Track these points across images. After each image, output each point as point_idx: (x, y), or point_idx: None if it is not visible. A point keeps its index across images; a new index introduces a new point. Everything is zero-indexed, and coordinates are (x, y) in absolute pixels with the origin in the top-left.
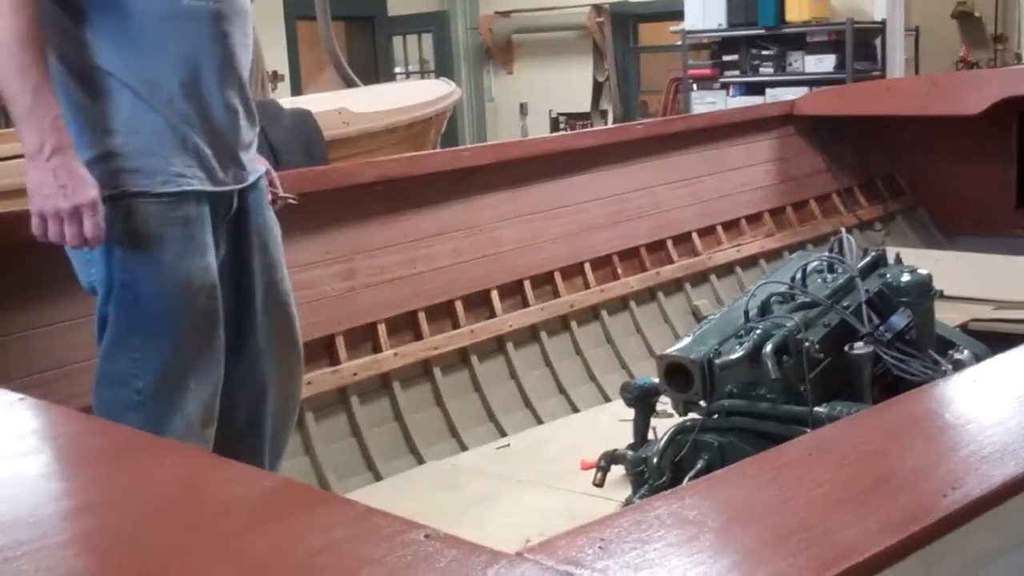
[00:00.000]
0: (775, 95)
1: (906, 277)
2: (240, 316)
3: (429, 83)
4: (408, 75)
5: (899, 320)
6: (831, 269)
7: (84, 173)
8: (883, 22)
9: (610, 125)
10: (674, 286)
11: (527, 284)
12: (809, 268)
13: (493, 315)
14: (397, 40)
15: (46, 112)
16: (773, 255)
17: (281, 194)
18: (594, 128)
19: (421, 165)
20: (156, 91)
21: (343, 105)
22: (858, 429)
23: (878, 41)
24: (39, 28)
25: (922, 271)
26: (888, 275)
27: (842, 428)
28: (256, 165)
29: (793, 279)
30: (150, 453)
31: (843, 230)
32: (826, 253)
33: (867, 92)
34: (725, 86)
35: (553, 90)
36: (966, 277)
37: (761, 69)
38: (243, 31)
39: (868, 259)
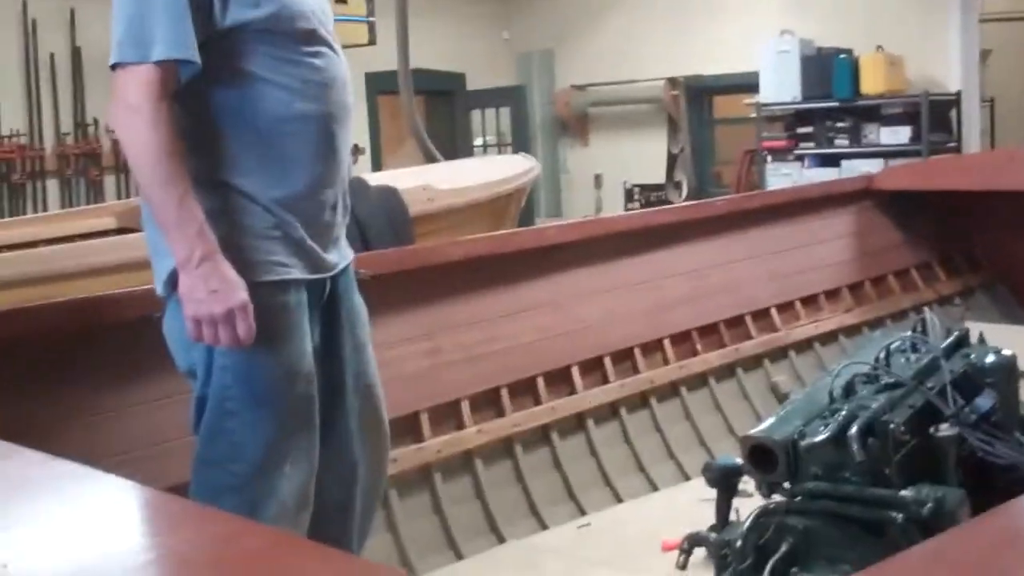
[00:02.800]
0: (851, 167)
1: (991, 358)
2: (330, 399)
3: (510, 158)
4: (486, 147)
5: (984, 402)
6: (914, 349)
7: (234, 277)
8: (958, 94)
9: (684, 196)
10: (753, 363)
11: (607, 360)
12: (892, 348)
13: (574, 391)
14: (475, 113)
15: (192, 221)
16: (852, 331)
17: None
18: (673, 205)
19: (506, 243)
20: (266, 191)
21: (427, 181)
22: (973, 537)
23: (953, 112)
24: (178, 140)
25: (1007, 352)
26: (972, 355)
27: (957, 537)
28: (347, 251)
29: (877, 359)
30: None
31: (926, 309)
32: (908, 332)
33: (944, 167)
34: (800, 158)
35: (628, 162)
36: None
37: (836, 141)
38: (348, 130)
39: (951, 339)
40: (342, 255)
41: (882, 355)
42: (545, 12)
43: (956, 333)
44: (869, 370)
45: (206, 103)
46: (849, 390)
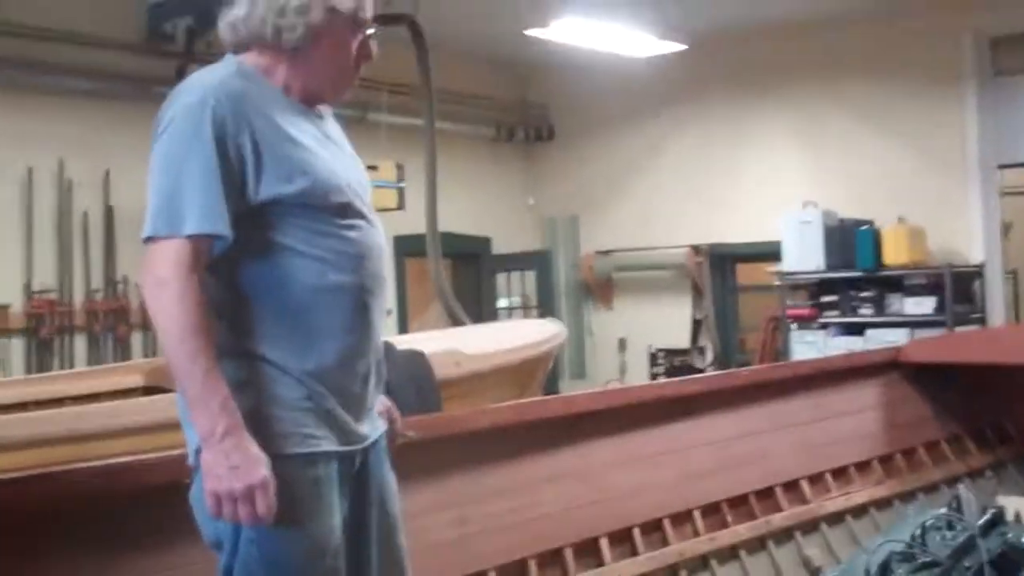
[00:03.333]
0: (875, 336)
1: None
2: (356, 573)
3: (536, 323)
4: (511, 309)
5: None
6: (950, 527)
7: (256, 452)
8: (981, 266)
9: (708, 361)
10: (784, 535)
11: (636, 532)
12: (927, 525)
13: (602, 563)
14: (501, 276)
15: (216, 395)
16: (883, 503)
17: (402, 431)
18: (701, 375)
19: (534, 412)
20: (297, 362)
21: (454, 345)
22: None
23: (977, 284)
24: (206, 314)
25: None
26: (1010, 534)
27: None
28: (379, 423)
29: (912, 537)
30: None
31: (960, 486)
32: (943, 509)
33: (972, 340)
34: (825, 326)
35: (652, 326)
36: None
37: (860, 310)
38: (383, 300)
39: (987, 517)
40: (374, 426)
41: (917, 532)
42: (570, 179)
43: (992, 511)
44: (905, 548)
45: (238, 274)
46: (885, 569)
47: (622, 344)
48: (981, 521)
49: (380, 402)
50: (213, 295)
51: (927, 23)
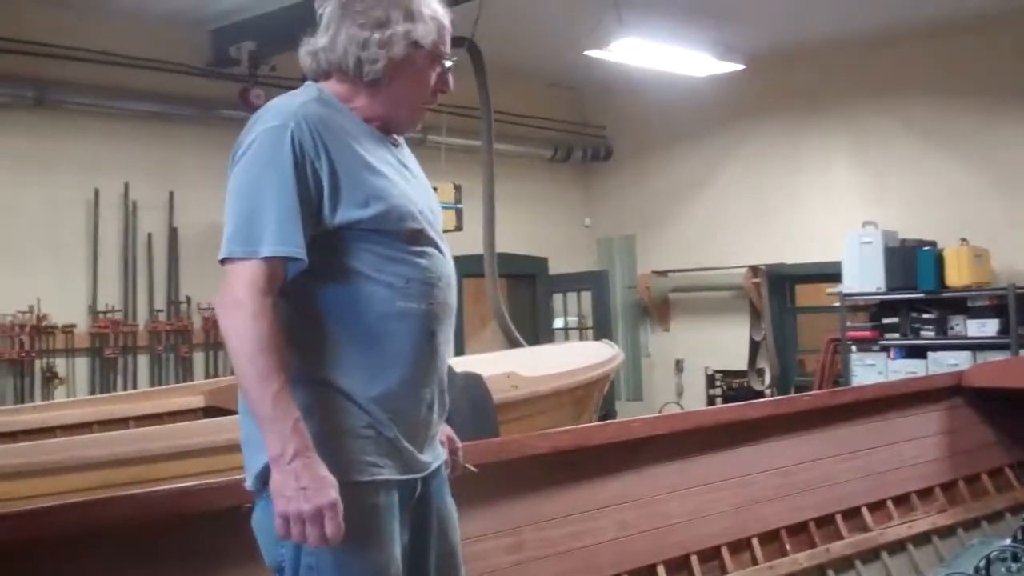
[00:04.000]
0: (937, 359)
1: None
2: None
3: (593, 345)
4: (567, 330)
5: None
6: (1015, 558)
7: (325, 474)
8: None
9: (767, 383)
10: (844, 564)
11: (694, 559)
12: (992, 556)
13: None
14: (557, 296)
15: (287, 417)
16: (946, 532)
17: (462, 462)
18: (760, 400)
19: (592, 437)
20: (362, 389)
21: (511, 368)
22: None
23: None
24: (278, 334)
25: None
26: None
27: None
28: (440, 451)
29: (976, 569)
30: None
31: None
32: (1008, 541)
33: None
34: (885, 348)
35: (709, 347)
36: None
37: (922, 332)
38: (450, 329)
39: None
40: (436, 454)
41: (982, 564)
42: (626, 200)
43: None
44: None
45: (308, 298)
46: None
47: (679, 365)
48: None
49: (442, 430)
50: (282, 318)
51: (989, 39)
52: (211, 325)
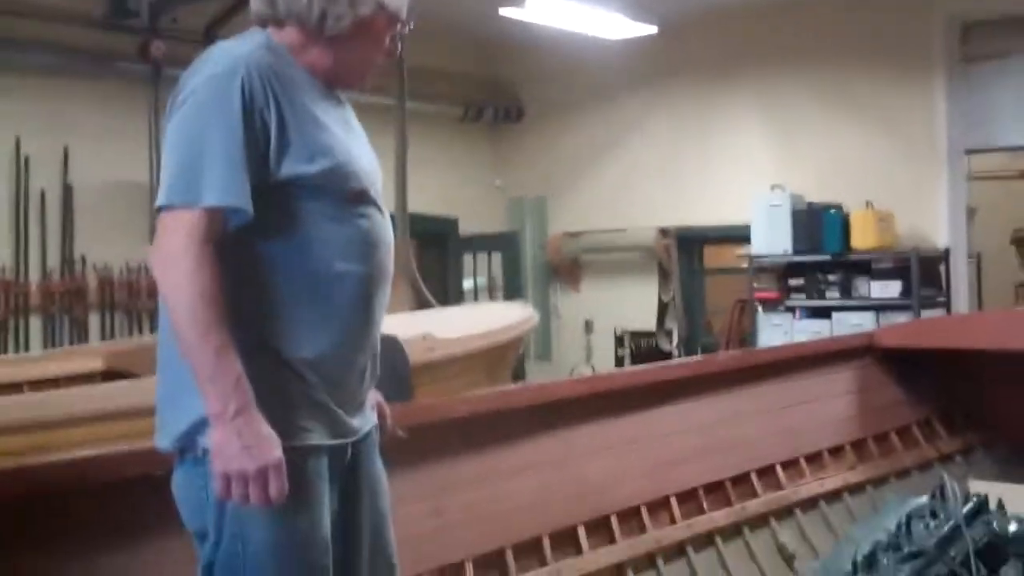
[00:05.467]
0: (842, 319)
1: (1014, 527)
2: (344, 570)
3: (506, 306)
4: (477, 291)
5: (1010, 572)
6: (934, 515)
7: (268, 432)
8: (947, 250)
9: (675, 343)
10: (759, 521)
11: (614, 519)
12: (911, 513)
13: (579, 551)
14: (467, 257)
15: (229, 372)
16: (857, 489)
17: (393, 428)
18: (681, 360)
19: (513, 400)
20: (295, 350)
21: (427, 330)
22: None
23: (942, 268)
24: (219, 288)
25: None
26: (995, 523)
27: None
28: (370, 416)
29: (898, 526)
30: None
31: (944, 475)
32: (925, 498)
33: (944, 325)
34: (791, 309)
35: (618, 308)
36: None
37: (827, 294)
38: (386, 294)
39: (971, 505)
40: (366, 419)
41: (903, 522)
42: (538, 160)
43: (975, 499)
44: (890, 538)
45: (244, 254)
46: (872, 559)
47: (588, 326)
48: (965, 510)
49: (371, 396)
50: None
51: (898, 7)
52: (107, 285)
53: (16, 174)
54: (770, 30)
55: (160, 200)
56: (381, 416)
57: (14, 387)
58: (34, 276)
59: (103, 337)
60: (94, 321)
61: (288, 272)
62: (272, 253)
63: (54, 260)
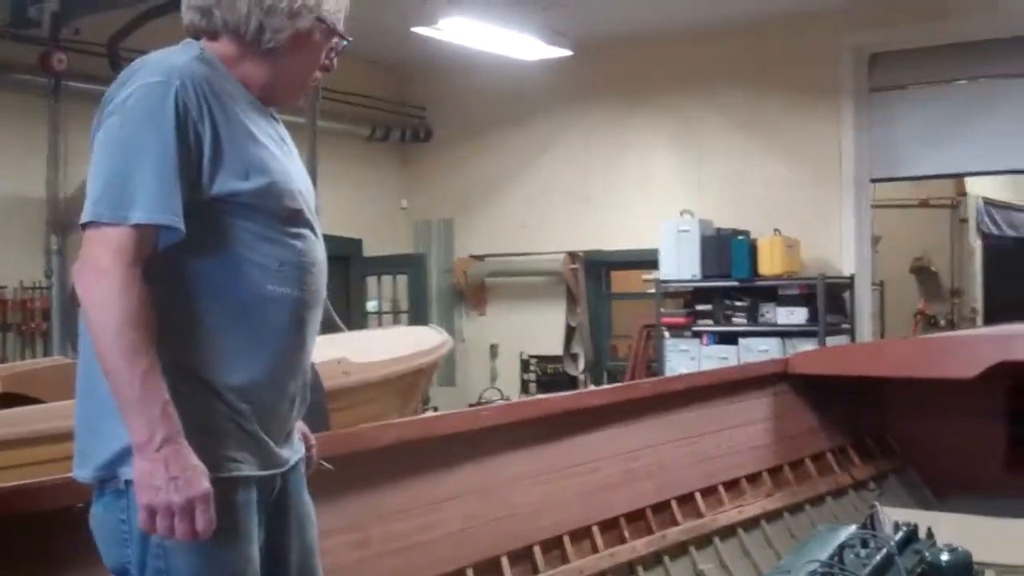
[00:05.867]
0: (748, 345)
1: (946, 556)
2: None
3: (419, 331)
4: (381, 314)
5: None
6: (864, 544)
7: (196, 463)
8: (851, 277)
9: (581, 368)
10: (679, 549)
11: (537, 549)
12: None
13: None
14: (371, 279)
15: (156, 399)
16: (774, 516)
17: (317, 460)
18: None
19: (438, 427)
20: (224, 376)
21: (341, 354)
22: None
23: (847, 294)
24: (147, 309)
25: (961, 549)
26: (926, 552)
27: None
28: (299, 445)
29: (832, 557)
30: None
31: (876, 504)
32: (854, 527)
33: (859, 353)
34: (698, 335)
35: (525, 333)
36: (964, 542)
37: (734, 319)
38: (318, 316)
39: (902, 534)
40: (294, 450)
41: (834, 551)
42: (446, 182)
43: (905, 528)
44: (824, 568)
45: (171, 274)
46: None
47: (494, 350)
48: (897, 539)
49: (299, 426)
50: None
51: (808, 38)
52: (0, 305)
53: None
54: (683, 56)
55: (85, 216)
56: (307, 447)
57: None
58: None
59: (3, 359)
60: None
61: (219, 294)
62: (202, 273)
63: None
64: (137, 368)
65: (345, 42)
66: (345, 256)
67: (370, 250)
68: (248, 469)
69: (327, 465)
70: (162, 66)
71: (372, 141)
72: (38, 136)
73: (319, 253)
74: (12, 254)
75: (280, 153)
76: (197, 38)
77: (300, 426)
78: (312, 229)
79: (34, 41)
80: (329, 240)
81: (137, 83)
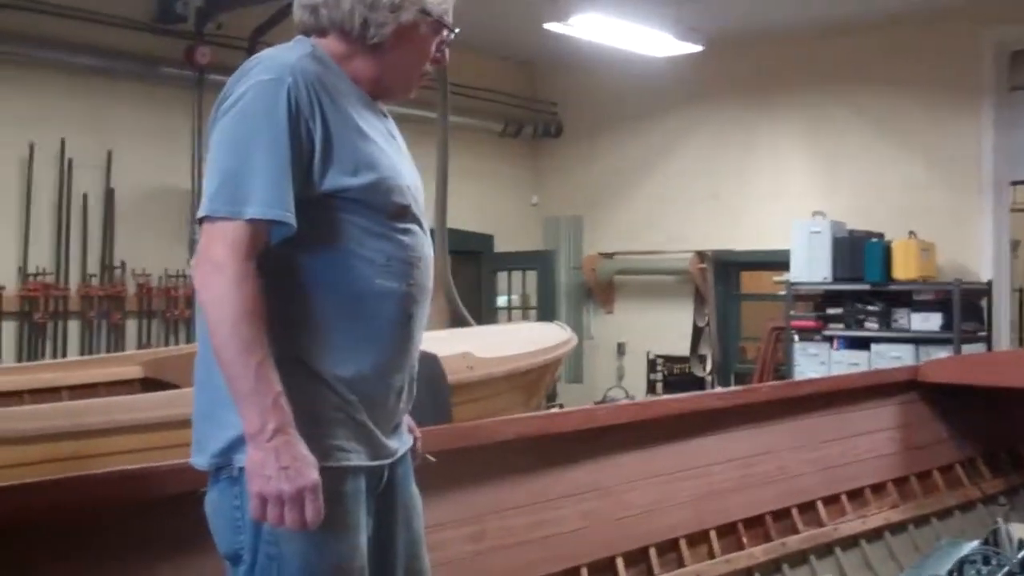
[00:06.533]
0: (880, 351)
1: None
2: None
3: (545, 327)
4: (510, 309)
5: None
6: (986, 561)
7: (306, 454)
8: (989, 283)
9: (709, 370)
10: (799, 558)
11: (652, 552)
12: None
13: None
14: (502, 274)
15: (268, 390)
16: (898, 528)
17: (421, 452)
18: (724, 389)
19: (559, 423)
20: (333, 368)
21: (467, 349)
22: None
23: (984, 301)
24: (261, 303)
25: None
26: None
27: None
28: (406, 437)
29: (950, 573)
30: None
31: (1000, 520)
32: (977, 543)
33: (992, 362)
34: (829, 339)
35: (652, 332)
36: None
37: (866, 324)
38: (425, 311)
39: None
40: (402, 441)
41: (954, 567)
42: (575, 180)
43: None
44: None
45: (283, 269)
46: None
47: (621, 349)
48: (1019, 556)
49: (406, 418)
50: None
51: (946, 34)
52: (145, 292)
53: (59, 176)
54: (816, 53)
55: (203, 210)
56: (413, 438)
57: (53, 391)
58: (74, 280)
59: (139, 344)
60: (131, 327)
61: (328, 288)
62: (312, 267)
63: (94, 265)
64: (251, 360)
65: (453, 34)
66: (476, 251)
67: (501, 246)
68: (357, 459)
69: (431, 458)
70: (275, 64)
71: (504, 137)
72: (183, 128)
73: (426, 248)
74: (157, 243)
75: (389, 149)
76: (308, 35)
77: (407, 418)
78: (419, 224)
79: (179, 35)
80: (460, 235)
81: (251, 81)
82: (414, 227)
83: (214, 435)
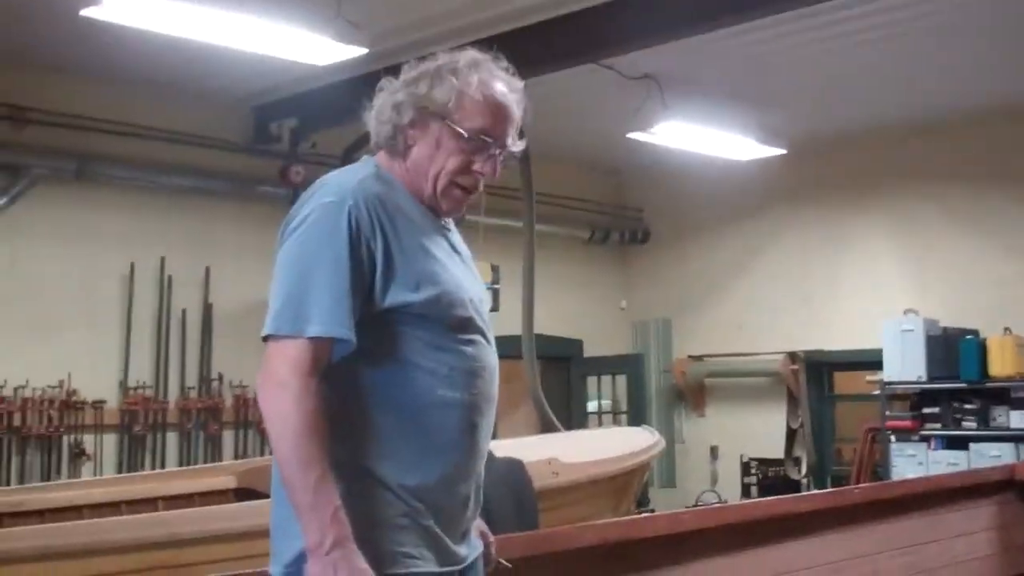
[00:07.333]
0: (979, 450)
1: None
2: None
3: (632, 431)
4: (601, 414)
5: None
6: None
7: (364, 567)
8: None
9: (803, 472)
10: None
11: None
12: None
13: None
14: (591, 379)
15: (328, 505)
16: None
17: (495, 558)
18: (813, 492)
19: (641, 529)
20: (399, 477)
21: (552, 454)
22: None
23: None
24: (322, 418)
25: None
26: None
27: None
28: (476, 544)
29: None
30: None
31: None
32: None
33: None
34: (926, 439)
35: (745, 434)
36: None
37: (964, 423)
38: (491, 422)
39: None
40: (472, 547)
41: None
42: (663, 283)
43: None
44: None
45: (347, 382)
46: None
47: (714, 452)
48: None
49: (476, 523)
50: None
51: None
52: (242, 403)
53: (160, 293)
54: (900, 151)
55: (266, 329)
56: (485, 544)
57: (150, 502)
58: (173, 393)
59: (236, 454)
60: (228, 438)
61: (391, 399)
62: (376, 380)
63: (192, 378)
64: (311, 475)
65: (499, 149)
66: (566, 356)
67: (590, 350)
68: (426, 565)
69: (505, 563)
70: (338, 186)
71: (591, 243)
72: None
73: (490, 358)
74: (254, 355)
75: (450, 263)
76: (375, 153)
77: (479, 523)
78: (483, 335)
79: (274, 155)
80: (550, 341)
81: (315, 203)
82: (477, 337)
83: (287, 545)
